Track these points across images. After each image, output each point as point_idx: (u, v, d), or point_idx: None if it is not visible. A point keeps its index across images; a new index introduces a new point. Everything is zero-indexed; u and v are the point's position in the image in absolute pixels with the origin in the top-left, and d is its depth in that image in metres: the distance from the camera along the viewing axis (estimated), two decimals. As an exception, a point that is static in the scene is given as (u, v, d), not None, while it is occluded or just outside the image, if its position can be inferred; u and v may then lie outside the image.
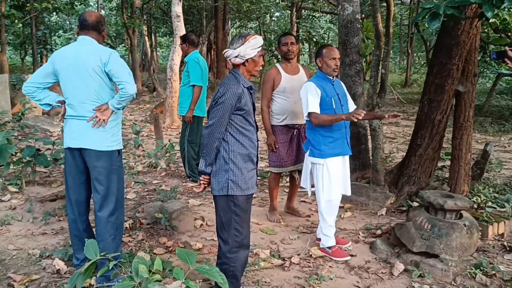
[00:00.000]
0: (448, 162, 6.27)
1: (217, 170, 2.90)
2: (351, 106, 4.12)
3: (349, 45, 5.75)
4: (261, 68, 2.99)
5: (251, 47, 2.85)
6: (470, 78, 5.04)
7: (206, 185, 3.01)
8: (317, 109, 3.78)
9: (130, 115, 12.54)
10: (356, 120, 3.53)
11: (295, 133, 4.53)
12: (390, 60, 42.03)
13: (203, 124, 5.92)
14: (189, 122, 5.74)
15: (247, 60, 2.88)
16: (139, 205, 5.14)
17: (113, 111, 3.15)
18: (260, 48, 2.90)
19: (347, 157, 4.03)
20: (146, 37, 27.58)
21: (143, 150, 7.97)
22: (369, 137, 5.76)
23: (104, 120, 3.12)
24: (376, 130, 5.28)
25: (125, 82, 3.03)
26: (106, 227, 3.19)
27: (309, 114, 3.80)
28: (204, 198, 5.43)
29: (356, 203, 5.27)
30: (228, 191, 2.87)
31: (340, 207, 4.83)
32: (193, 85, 5.63)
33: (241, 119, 2.87)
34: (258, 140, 3.07)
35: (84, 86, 3.11)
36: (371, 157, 5.70)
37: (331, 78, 3.93)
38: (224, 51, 2.92)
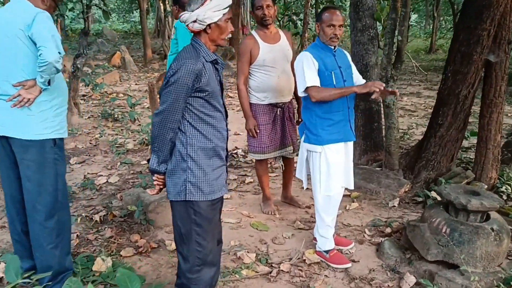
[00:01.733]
0: (473, 141, 5.54)
1: (173, 168, 2.27)
2: (358, 81, 3.42)
3: (361, 7, 4.97)
4: (230, 35, 2.32)
5: (213, 8, 2.17)
6: (503, 46, 4.25)
7: (161, 187, 2.39)
8: (316, 82, 3.09)
9: (136, 84, 11.94)
10: (377, 90, 2.88)
11: (278, 112, 3.87)
12: (415, 24, 40.08)
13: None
14: None
15: (209, 25, 2.21)
16: (119, 191, 4.58)
17: (42, 88, 2.51)
18: (227, 9, 2.22)
19: (350, 144, 3.35)
20: (160, 2, 26.69)
21: (139, 125, 7.39)
22: (383, 113, 5.04)
23: (29, 99, 2.49)
24: (390, 107, 4.55)
25: (42, 47, 2.37)
26: (43, 234, 2.60)
27: (307, 89, 3.12)
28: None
29: (365, 190, 4.61)
30: (187, 195, 2.24)
31: (345, 195, 4.21)
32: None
33: (202, 103, 2.22)
34: (228, 129, 2.42)
35: (7, 57, 2.48)
36: (384, 137, 4.99)
37: (333, 47, 3.22)
38: (180, 14, 2.25)
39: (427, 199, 4.20)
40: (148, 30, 17.98)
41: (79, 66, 7.15)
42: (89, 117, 7.78)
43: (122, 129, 7.10)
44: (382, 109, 5.11)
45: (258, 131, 3.82)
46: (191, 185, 2.23)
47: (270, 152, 3.92)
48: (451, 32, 21.44)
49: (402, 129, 7.22)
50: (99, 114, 7.91)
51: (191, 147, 2.22)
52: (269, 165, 4.99)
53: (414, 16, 41.02)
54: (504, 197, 4.18)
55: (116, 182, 4.83)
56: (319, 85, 3.10)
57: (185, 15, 2.20)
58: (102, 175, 5.00)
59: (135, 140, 6.38)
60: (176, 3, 5.21)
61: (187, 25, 2.23)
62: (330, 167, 3.20)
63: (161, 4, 27.10)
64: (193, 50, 2.22)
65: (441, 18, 27.43)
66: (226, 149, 2.41)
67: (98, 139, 6.38)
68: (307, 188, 4.68)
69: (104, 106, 8.64)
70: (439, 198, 4.18)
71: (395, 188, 4.50)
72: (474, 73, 4.29)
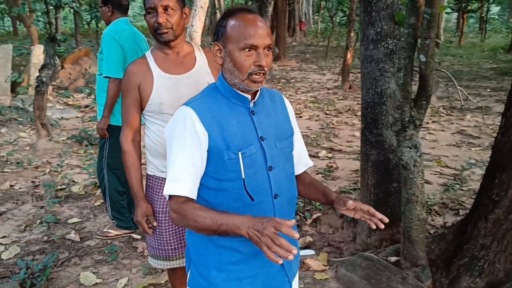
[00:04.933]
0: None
1: None
2: (300, 165, 1.74)
3: (375, 5, 3.20)
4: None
5: None
6: None
7: None
8: (184, 186, 1.46)
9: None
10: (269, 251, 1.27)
11: None
12: (497, 18, 35.93)
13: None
14: (103, 136, 3.59)
15: None
16: (-3, 279, 3.14)
17: None
18: None
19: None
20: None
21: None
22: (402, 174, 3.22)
23: None
24: (410, 168, 2.76)
25: None
26: None
27: (170, 198, 1.49)
28: (119, 268, 3.31)
29: (364, 302, 2.87)
30: None
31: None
32: (107, 77, 3.42)
33: None
34: None
35: None
36: (402, 214, 3.17)
37: (248, 95, 1.55)
38: None
39: None
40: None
41: (44, 79, 5.86)
42: (66, 139, 6.49)
43: (90, 159, 5.71)
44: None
45: (156, 224, 2.23)
46: None
47: (179, 258, 2.30)
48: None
49: (454, 168, 5.29)
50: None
51: None
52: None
53: (496, 9, 36.96)
54: None
55: (8, 258, 3.40)
56: (193, 195, 1.48)
57: None
58: (0, 244, 3.61)
59: (93, 178, 4.94)
60: (107, 2, 3.65)
61: None
62: None
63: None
64: None
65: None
66: None
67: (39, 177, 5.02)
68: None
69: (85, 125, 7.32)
70: None
71: (413, 305, 2.72)
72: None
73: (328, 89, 11.21)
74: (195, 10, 8.80)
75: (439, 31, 15.91)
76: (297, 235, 1.26)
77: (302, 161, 1.74)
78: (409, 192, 2.82)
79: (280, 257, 1.23)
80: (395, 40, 3.21)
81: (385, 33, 3.21)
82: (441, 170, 5.27)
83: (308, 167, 1.77)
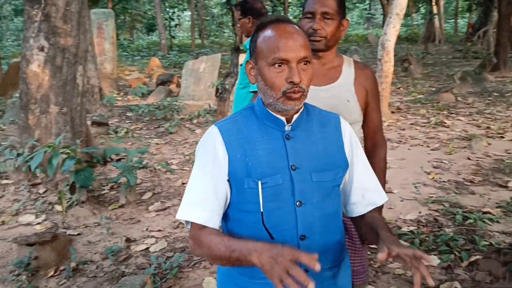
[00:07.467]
0: None
1: None
2: (362, 204, 1.47)
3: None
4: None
5: None
6: None
7: None
8: (199, 215, 1.35)
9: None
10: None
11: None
12: None
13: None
14: None
15: None
16: (138, 270, 3.45)
17: None
18: None
19: None
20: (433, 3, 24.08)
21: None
22: None
23: None
24: None
25: None
26: None
27: (190, 224, 1.40)
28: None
29: None
30: None
31: None
32: (254, 92, 3.40)
33: None
34: None
35: None
36: None
37: (283, 117, 1.37)
38: None
39: None
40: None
41: (227, 87, 6.31)
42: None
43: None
44: None
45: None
46: None
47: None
48: None
49: None
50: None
51: None
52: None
53: None
54: None
55: (156, 251, 3.72)
56: (210, 223, 1.36)
57: None
58: (153, 237, 3.97)
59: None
60: (246, 12, 3.57)
61: None
62: None
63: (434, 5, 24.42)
64: None
65: None
66: None
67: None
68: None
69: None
70: None
71: None
72: None
73: (552, 109, 9.48)
74: (390, 17, 8.42)
75: None
76: (318, 267, 1.07)
77: (365, 200, 1.45)
78: None
79: None
80: None
81: None
82: None
83: (375, 207, 1.46)
